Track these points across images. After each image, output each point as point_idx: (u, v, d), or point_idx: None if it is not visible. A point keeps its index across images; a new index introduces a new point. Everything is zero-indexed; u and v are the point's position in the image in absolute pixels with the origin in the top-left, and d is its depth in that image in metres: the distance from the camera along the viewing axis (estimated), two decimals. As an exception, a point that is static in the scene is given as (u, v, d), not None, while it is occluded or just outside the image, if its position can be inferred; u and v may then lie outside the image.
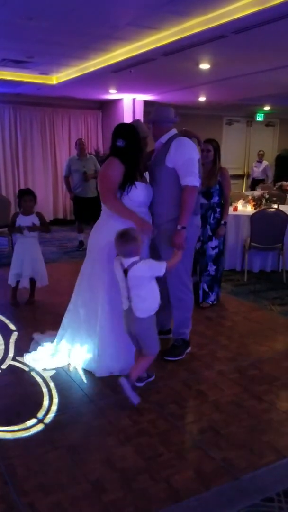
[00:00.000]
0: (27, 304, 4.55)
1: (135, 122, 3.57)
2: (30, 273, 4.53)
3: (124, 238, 2.72)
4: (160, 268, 2.81)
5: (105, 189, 3.09)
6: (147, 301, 2.78)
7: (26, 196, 4.51)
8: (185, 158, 3.10)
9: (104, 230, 3.16)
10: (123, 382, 2.73)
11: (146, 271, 2.75)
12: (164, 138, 3.26)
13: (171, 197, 3.17)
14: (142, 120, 9.55)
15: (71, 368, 3.27)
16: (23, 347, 3.59)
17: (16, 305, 4.57)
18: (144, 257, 3.07)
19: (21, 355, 3.46)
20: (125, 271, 2.74)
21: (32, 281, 4.62)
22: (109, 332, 3.16)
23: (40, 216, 4.57)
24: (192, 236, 3.30)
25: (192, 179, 3.09)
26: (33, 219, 4.48)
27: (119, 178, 3.05)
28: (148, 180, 3.32)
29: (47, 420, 2.66)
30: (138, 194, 3.10)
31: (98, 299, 3.19)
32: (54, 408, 2.79)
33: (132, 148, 3.08)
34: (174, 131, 3.30)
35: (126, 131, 3.12)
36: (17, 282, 4.59)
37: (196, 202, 3.28)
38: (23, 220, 4.48)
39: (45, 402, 2.85)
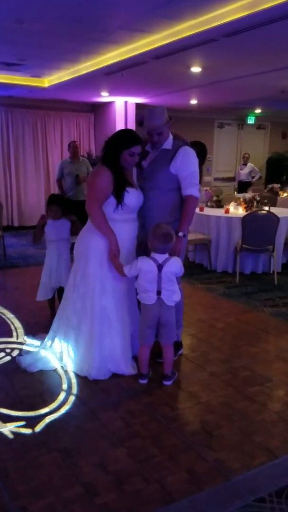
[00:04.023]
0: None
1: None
2: (58, 284, 4.05)
3: (168, 237, 2.91)
4: (182, 269, 3.06)
5: (91, 198, 3.09)
6: (176, 293, 3.05)
7: (52, 205, 4.01)
8: (190, 170, 3.15)
9: (93, 236, 3.12)
10: (167, 383, 3.10)
11: (178, 267, 3.01)
12: (167, 144, 3.20)
13: (169, 202, 3.19)
14: (134, 122, 9.62)
15: (62, 371, 3.27)
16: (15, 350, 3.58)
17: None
18: (129, 259, 3.14)
19: (13, 358, 3.45)
20: (159, 267, 2.95)
21: (60, 288, 4.08)
22: (101, 340, 3.16)
23: (72, 220, 4.07)
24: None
25: (195, 190, 3.18)
26: (64, 224, 4.01)
27: (109, 188, 3.03)
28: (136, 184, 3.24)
29: (39, 423, 2.66)
30: (131, 200, 3.08)
31: (91, 305, 3.16)
32: (46, 411, 2.78)
33: (108, 154, 3.07)
34: (171, 135, 3.25)
35: (109, 138, 3.11)
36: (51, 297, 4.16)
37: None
38: (52, 227, 4.00)
39: (37, 405, 2.84)
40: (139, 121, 3.22)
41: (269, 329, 4.18)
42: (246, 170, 11.51)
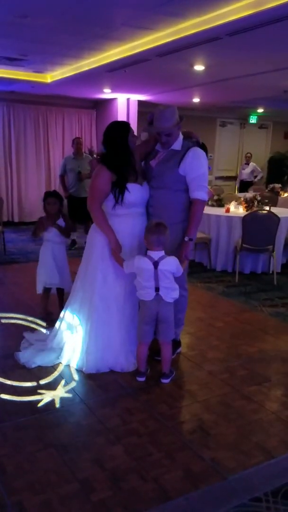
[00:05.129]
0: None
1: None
2: (57, 282, 4.06)
3: (161, 226, 2.93)
4: (180, 269, 3.04)
5: (91, 197, 3.17)
6: (175, 290, 3.04)
7: (49, 199, 4.02)
8: (199, 172, 3.12)
9: (97, 232, 3.21)
10: (165, 381, 3.10)
11: (174, 266, 2.99)
12: (177, 145, 3.17)
13: (176, 202, 3.18)
14: (136, 119, 9.60)
15: (61, 367, 3.27)
16: (14, 346, 3.58)
17: (48, 315, 4.12)
18: (133, 253, 3.15)
19: (12, 353, 3.45)
20: (155, 264, 2.95)
21: (60, 289, 4.18)
22: (99, 331, 3.19)
23: (66, 219, 4.13)
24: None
25: (203, 193, 3.15)
26: (60, 223, 4.05)
27: (107, 186, 3.08)
28: (144, 179, 3.24)
29: (37, 418, 2.66)
30: (130, 196, 3.10)
31: (90, 295, 3.21)
32: (44, 406, 2.78)
33: (111, 152, 3.09)
34: (181, 135, 3.22)
35: (106, 134, 3.13)
36: (46, 290, 4.15)
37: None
38: (50, 230, 4.03)
39: (36, 400, 2.84)
40: (149, 120, 3.20)
41: (268, 329, 4.18)
42: (248, 169, 11.50)
